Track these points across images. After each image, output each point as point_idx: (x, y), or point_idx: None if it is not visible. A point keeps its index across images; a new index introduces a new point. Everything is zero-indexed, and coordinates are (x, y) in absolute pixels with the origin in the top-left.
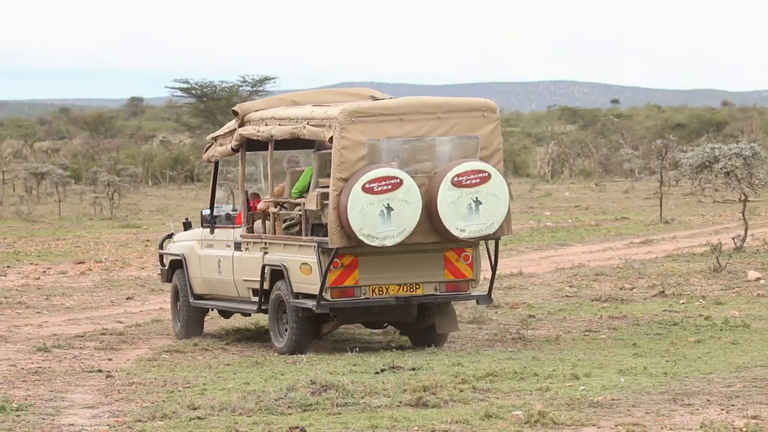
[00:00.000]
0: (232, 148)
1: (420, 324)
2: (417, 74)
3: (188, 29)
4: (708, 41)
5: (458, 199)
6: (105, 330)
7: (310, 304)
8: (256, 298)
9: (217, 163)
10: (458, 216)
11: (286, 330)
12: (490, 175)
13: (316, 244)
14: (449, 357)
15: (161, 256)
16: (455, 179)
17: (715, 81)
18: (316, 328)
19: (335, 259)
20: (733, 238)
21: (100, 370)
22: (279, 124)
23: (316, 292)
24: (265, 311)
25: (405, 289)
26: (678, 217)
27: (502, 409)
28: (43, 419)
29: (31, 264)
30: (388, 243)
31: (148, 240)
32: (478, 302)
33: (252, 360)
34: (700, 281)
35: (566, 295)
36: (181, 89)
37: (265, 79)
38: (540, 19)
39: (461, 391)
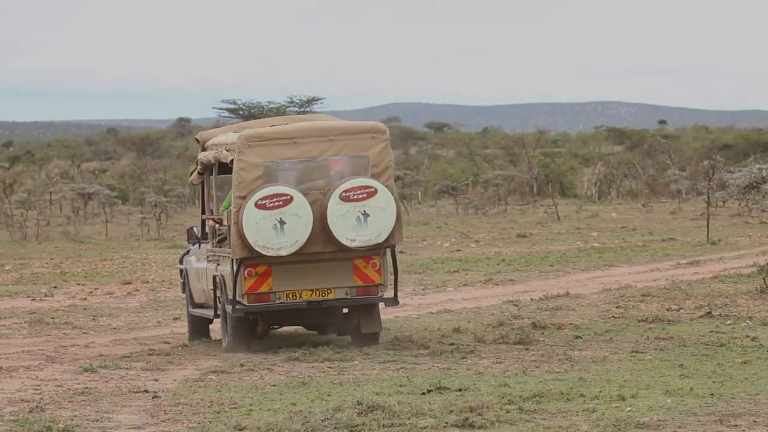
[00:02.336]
0: (198, 172)
1: (349, 326)
2: (464, 95)
3: (236, 50)
4: (755, 62)
5: (347, 213)
6: (152, 350)
7: (229, 308)
8: None
9: (202, 184)
10: (348, 227)
11: None
12: (376, 190)
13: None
14: (496, 378)
15: (180, 270)
16: (343, 194)
17: (762, 101)
18: (252, 330)
19: (250, 268)
20: None
21: (146, 391)
22: (214, 150)
23: (237, 299)
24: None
25: (317, 294)
26: (725, 238)
27: (549, 430)
28: None
29: (78, 284)
30: (283, 253)
31: None
32: (386, 305)
33: (298, 380)
34: (747, 302)
35: (613, 316)
36: (229, 110)
37: (312, 100)
38: (587, 40)
39: (508, 411)
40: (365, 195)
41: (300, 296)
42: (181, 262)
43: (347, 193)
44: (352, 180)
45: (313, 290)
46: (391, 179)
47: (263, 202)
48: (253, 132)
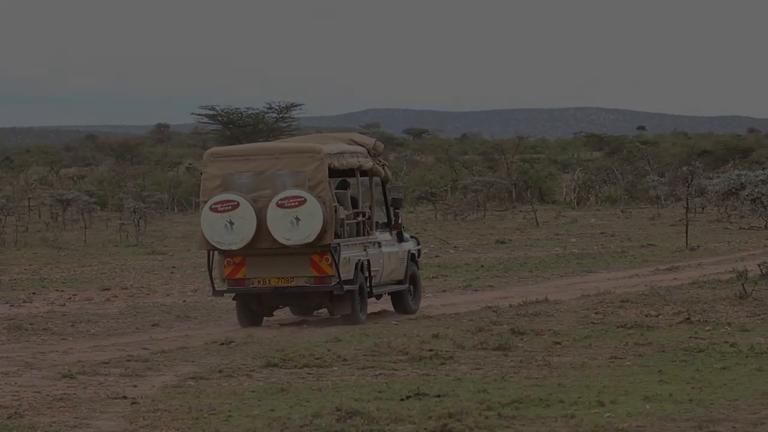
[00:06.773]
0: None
1: (328, 308)
2: (443, 101)
3: (215, 55)
4: (734, 68)
5: (283, 217)
6: (130, 356)
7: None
8: None
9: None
10: (284, 229)
11: None
12: (305, 200)
13: None
14: (475, 384)
15: None
16: (279, 202)
17: (741, 108)
18: (251, 309)
19: (229, 258)
20: (759, 265)
21: (125, 397)
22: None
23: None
24: None
25: (282, 281)
26: (704, 244)
27: None
28: None
29: (57, 290)
30: (234, 248)
31: (174, 267)
32: (334, 292)
33: (277, 387)
34: (726, 308)
35: (592, 322)
36: (208, 116)
37: (291, 106)
38: (566, 46)
39: (487, 418)
40: (297, 203)
41: (268, 282)
42: None
43: (283, 201)
44: (288, 191)
45: (279, 278)
46: (325, 191)
47: (216, 206)
48: (215, 150)
